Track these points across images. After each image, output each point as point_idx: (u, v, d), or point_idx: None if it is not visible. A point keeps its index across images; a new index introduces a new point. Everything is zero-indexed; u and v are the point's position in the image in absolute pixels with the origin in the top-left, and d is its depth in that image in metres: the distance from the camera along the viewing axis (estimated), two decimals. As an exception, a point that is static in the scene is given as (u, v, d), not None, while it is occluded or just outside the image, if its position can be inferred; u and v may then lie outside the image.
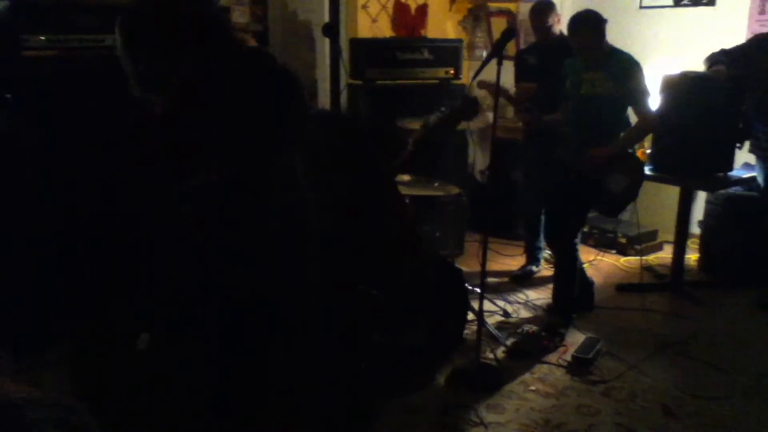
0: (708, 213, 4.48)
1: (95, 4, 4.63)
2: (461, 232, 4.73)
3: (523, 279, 4.40)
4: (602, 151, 3.51)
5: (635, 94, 3.47)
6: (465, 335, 3.34)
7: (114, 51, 4.04)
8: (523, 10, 5.69)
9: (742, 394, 3.04)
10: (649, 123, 3.59)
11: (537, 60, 4.19)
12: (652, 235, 4.98)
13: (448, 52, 4.79)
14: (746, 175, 4.11)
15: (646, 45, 4.78)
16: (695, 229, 4.65)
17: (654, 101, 4.06)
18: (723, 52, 3.93)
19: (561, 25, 4.10)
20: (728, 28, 4.57)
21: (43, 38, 3.71)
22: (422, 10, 5.68)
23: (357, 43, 4.69)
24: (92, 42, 3.99)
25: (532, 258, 4.50)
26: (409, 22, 5.60)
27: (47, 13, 4.14)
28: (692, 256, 4.59)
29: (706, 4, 4.78)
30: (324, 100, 5.56)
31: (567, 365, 3.26)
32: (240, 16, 5.93)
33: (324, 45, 5.50)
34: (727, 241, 4.32)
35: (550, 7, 4.09)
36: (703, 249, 4.55)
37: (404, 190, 3.13)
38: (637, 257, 4.73)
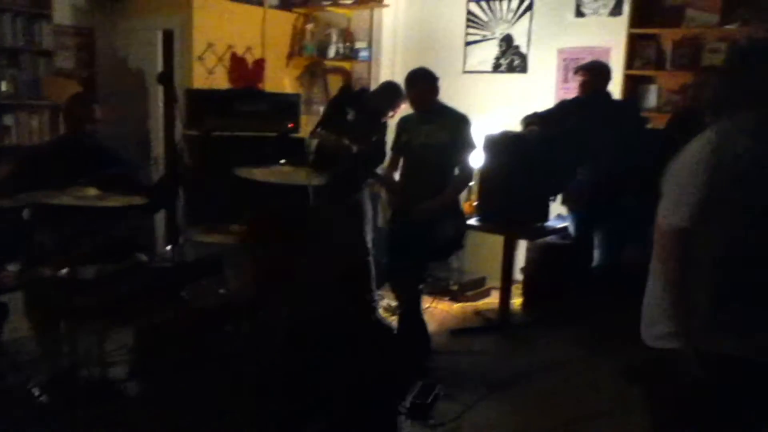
0: (528, 260, 4.88)
1: None
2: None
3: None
4: (433, 203, 3.71)
5: (464, 146, 3.77)
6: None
7: None
8: (357, 68, 5.96)
9: (564, 429, 3.26)
10: (469, 175, 3.92)
11: None
12: (481, 281, 5.30)
13: (286, 106, 4.85)
14: (560, 225, 4.55)
15: (468, 106, 5.12)
16: (519, 275, 5.02)
17: (478, 157, 4.40)
18: (535, 114, 4.37)
19: None
20: (539, 93, 5.10)
21: None
22: (259, 64, 5.73)
23: (193, 94, 4.61)
24: None
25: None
26: (245, 75, 5.61)
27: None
28: (517, 300, 4.94)
29: (519, 72, 5.30)
30: (158, 150, 5.38)
31: (406, 411, 3.33)
32: (63, 61, 5.61)
33: (157, 94, 5.34)
34: (546, 285, 4.71)
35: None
36: (526, 293, 4.93)
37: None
38: (468, 303, 5.03)
